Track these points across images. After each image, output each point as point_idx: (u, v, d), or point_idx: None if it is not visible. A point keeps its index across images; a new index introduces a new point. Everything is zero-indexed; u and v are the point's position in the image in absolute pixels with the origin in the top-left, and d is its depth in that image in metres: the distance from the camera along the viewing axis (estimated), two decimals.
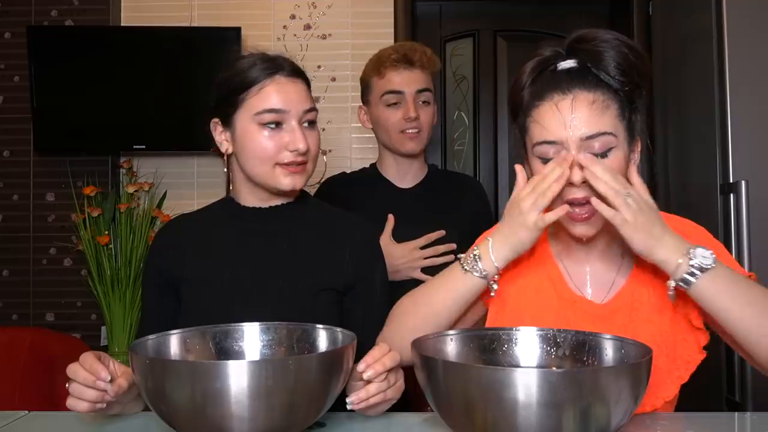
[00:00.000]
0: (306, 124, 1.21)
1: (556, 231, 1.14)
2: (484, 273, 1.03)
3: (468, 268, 1.04)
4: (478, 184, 1.94)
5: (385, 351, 0.96)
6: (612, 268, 1.10)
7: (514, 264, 1.11)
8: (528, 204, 1.00)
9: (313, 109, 1.23)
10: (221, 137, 1.25)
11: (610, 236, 1.08)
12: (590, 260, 1.10)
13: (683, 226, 1.12)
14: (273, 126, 1.18)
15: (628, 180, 0.99)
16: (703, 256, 0.93)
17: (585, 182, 0.98)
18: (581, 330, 0.96)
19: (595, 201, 0.96)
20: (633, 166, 1.03)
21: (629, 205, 0.94)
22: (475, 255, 1.04)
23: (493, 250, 1.03)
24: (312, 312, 1.16)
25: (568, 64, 1.02)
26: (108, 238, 2.58)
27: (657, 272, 1.03)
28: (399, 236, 1.66)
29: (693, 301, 0.98)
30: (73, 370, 0.94)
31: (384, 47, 1.81)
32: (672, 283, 0.95)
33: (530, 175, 1.06)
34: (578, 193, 0.99)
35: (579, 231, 1.02)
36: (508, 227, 1.03)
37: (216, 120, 1.25)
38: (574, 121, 0.98)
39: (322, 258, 1.23)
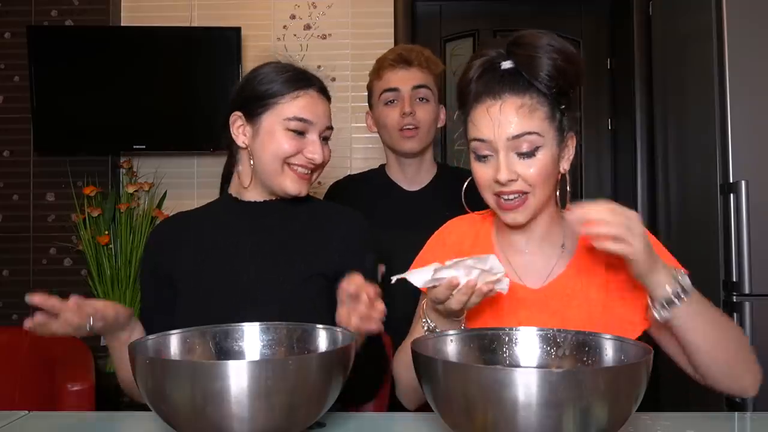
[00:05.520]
0: (324, 138, 1.31)
1: (498, 222, 1.19)
2: (447, 329, 1.06)
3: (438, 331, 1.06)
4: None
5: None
6: (551, 255, 1.16)
7: (458, 253, 1.16)
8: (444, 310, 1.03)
9: (332, 128, 1.33)
10: (239, 130, 1.30)
11: (548, 226, 1.15)
12: (529, 249, 1.16)
13: None
14: (297, 133, 1.26)
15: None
16: (686, 280, 1.00)
17: (512, 180, 1.06)
18: (514, 315, 1.05)
19: (598, 244, 0.96)
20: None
21: (633, 234, 0.95)
22: (430, 327, 1.08)
23: (437, 326, 1.07)
24: (302, 298, 1.22)
25: (507, 64, 1.09)
26: (108, 238, 2.58)
27: (595, 263, 1.11)
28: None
29: (642, 310, 1.07)
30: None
31: (384, 48, 1.83)
32: (658, 305, 1.00)
33: (469, 164, 1.14)
34: (506, 188, 1.07)
35: (509, 219, 1.10)
36: (435, 317, 1.07)
37: (239, 114, 1.30)
38: (501, 123, 1.06)
39: (311, 245, 1.28)
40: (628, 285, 1.09)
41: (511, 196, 1.08)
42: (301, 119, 1.26)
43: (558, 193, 1.14)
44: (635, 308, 1.09)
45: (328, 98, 1.35)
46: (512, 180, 1.06)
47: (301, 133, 1.27)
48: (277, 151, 1.26)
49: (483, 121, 1.08)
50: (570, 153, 1.13)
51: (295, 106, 1.27)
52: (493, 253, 1.16)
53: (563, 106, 1.09)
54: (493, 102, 1.07)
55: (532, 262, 1.16)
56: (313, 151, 1.27)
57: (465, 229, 1.24)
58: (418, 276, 1.00)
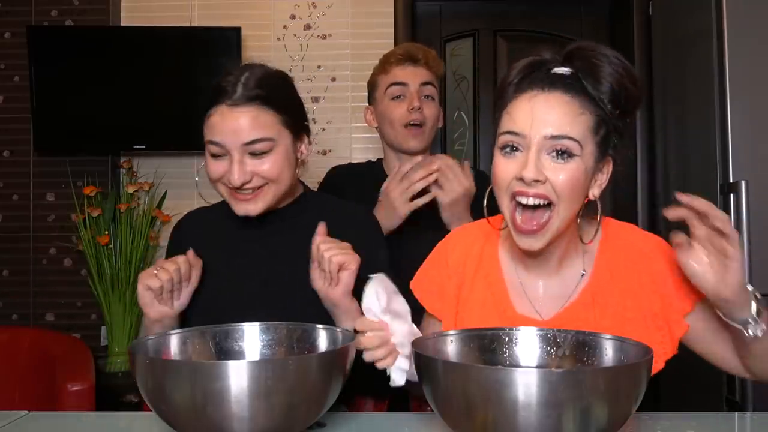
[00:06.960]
0: (255, 153, 1.18)
1: (511, 241, 1.06)
2: None
3: None
4: (487, 178, 1.90)
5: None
6: (569, 284, 1.07)
7: (461, 274, 1.12)
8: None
9: (262, 140, 1.17)
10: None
11: (566, 250, 1.06)
12: (544, 274, 1.07)
13: (645, 240, 1.08)
14: (216, 156, 1.20)
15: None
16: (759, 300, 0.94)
17: (538, 181, 0.95)
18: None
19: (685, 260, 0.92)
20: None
21: (732, 258, 0.90)
22: None
23: None
24: (314, 298, 1.18)
25: (562, 70, 0.99)
26: (108, 238, 2.58)
27: (611, 290, 1.03)
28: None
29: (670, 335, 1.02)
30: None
31: (384, 48, 1.82)
32: (751, 327, 0.94)
33: (492, 170, 1.02)
34: (528, 189, 0.96)
35: (525, 244, 1.00)
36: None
37: None
38: (542, 118, 0.95)
39: None
40: (645, 313, 1.02)
41: (532, 201, 0.96)
42: (212, 142, 1.18)
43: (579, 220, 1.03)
44: (654, 337, 1.01)
45: (262, 103, 1.18)
46: (538, 180, 0.95)
47: (223, 155, 1.19)
48: (209, 173, 1.22)
49: (521, 113, 0.97)
50: (603, 179, 1.02)
51: (208, 128, 1.19)
52: (501, 275, 1.10)
53: (612, 125, 0.98)
54: (540, 92, 0.97)
55: (548, 288, 1.07)
56: (230, 172, 1.17)
57: (469, 244, 1.15)
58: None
